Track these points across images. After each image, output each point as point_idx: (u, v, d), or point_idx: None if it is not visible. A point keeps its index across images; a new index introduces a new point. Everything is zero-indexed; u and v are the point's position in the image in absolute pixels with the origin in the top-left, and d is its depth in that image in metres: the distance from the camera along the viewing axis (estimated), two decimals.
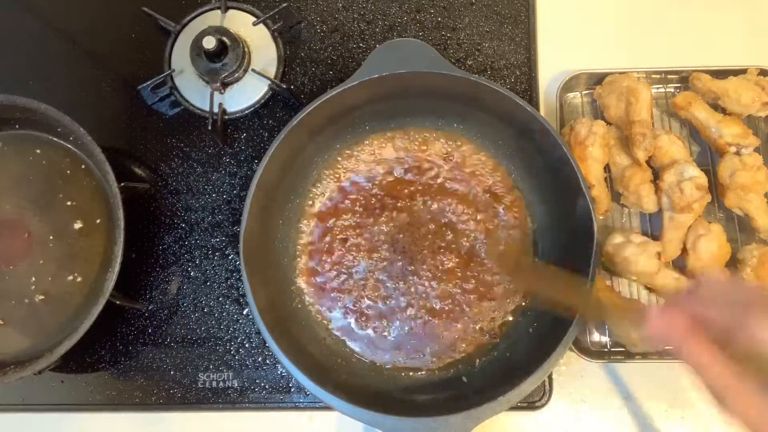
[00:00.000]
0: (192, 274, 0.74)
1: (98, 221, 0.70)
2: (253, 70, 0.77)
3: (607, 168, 0.72)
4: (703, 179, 0.66)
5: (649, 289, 0.71)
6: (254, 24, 0.78)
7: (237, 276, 0.74)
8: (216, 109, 0.75)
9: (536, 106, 0.76)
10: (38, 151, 0.73)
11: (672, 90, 0.76)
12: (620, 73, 0.72)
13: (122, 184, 0.66)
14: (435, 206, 0.71)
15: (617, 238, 0.68)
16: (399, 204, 0.71)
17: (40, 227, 0.71)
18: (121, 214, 0.65)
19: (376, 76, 0.63)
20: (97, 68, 0.81)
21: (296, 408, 0.70)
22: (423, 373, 0.67)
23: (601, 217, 0.70)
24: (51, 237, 0.70)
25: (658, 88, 0.76)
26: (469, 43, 0.80)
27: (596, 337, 0.70)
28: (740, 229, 0.71)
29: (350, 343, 0.68)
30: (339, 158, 0.72)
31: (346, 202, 0.71)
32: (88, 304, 0.67)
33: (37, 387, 0.72)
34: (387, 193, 0.71)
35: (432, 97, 0.68)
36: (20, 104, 0.68)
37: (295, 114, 0.64)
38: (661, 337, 0.43)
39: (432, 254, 0.70)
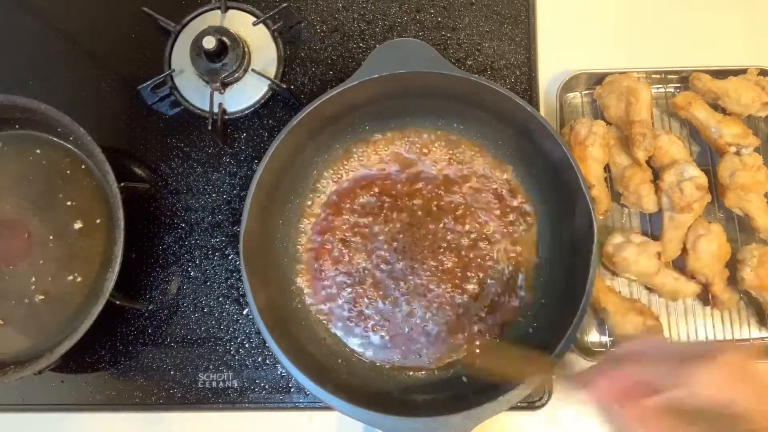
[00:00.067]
0: (192, 274, 0.74)
1: (98, 221, 0.70)
2: (253, 70, 0.77)
3: (607, 168, 0.72)
4: (703, 179, 0.66)
5: (649, 289, 0.71)
6: (254, 24, 0.78)
7: (237, 276, 0.74)
8: (216, 109, 0.75)
9: (536, 106, 0.76)
10: (38, 151, 0.73)
11: (672, 90, 0.76)
12: (620, 73, 0.72)
13: (122, 184, 0.66)
14: (435, 206, 0.71)
15: (617, 238, 0.68)
16: (399, 204, 0.71)
17: (40, 227, 0.71)
18: (121, 214, 0.65)
19: (376, 76, 0.63)
20: (97, 68, 0.81)
21: (296, 408, 0.70)
22: (423, 373, 0.67)
23: (601, 217, 0.70)
24: (51, 237, 0.70)
25: (658, 88, 0.76)
26: (469, 43, 0.80)
27: (596, 337, 0.70)
28: (740, 229, 0.71)
29: (350, 343, 0.68)
30: (339, 158, 0.72)
31: (346, 202, 0.71)
32: (88, 304, 0.67)
33: (37, 387, 0.72)
34: (387, 193, 0.71)
35: (432, 97, 0.68)
36: (20, 104, 0.68)
37: (295, 114, 0.64)
38: (601, 404, 0.43)
39: (432, 254, 0.70)
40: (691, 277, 0.68)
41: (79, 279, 0.69)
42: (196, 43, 0.75)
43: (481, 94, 0.65)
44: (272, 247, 0.68)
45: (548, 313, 0.66)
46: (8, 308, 0.69)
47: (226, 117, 0.77)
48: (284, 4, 0.77)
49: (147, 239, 0.75)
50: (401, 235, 0.70)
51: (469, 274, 0.69)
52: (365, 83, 0.64)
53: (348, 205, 0.71)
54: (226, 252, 0.74)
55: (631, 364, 0.43)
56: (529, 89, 0.77)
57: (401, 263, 0.70)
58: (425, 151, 0.72)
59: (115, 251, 0.64)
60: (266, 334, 0.59)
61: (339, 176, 0.72)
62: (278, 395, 0.71)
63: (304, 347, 0.65)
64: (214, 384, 0.71)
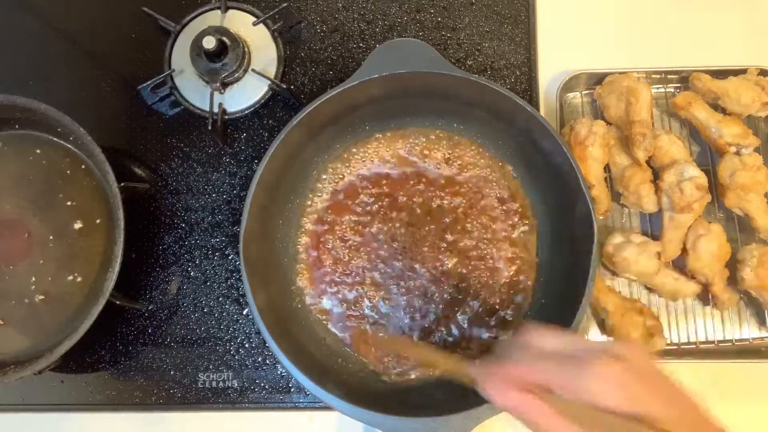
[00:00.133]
0: (192, 274, 0.74)
1: (98, 221, 0.70)
2: (253, 70, 0.77)
3: (607, 168, 0.72)
4: (703, 179, 0.66)
5: (649, 289, 0.71)
6: (254, 24, 0.78)
7: (237, 276, 0.74)
8: (216, 109, 0.75)
9: (536, 106, 0.76)
10: (38, 151, 0.73)
11: (672, 90, 0.76)
12: (620, 73, 0.72)
13: (122, 184, 0.66)
14: (435, 206, 0.71)
15: (617, 238, 0.68)
16: (399, 204, 0.71)
17: (40, 227, 0.71)
18: (121, 214, 0.65)
19: (376, 76, 0.63)
20: (97, 68, 0.81)
21: (296, 408, 0.70)
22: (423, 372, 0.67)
23: (601, 217, 0.70)
24: (51, 237, 0.70)
25: (658, 88, 0.76)
26: (469, 43, 0.80)
27: (596, 336, 0.70)
28: (740, 229, 0.71)
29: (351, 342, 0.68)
30: (339, 158, 0.72)
31: (346, 202, 0.71)
32: (88, 304, 0.67)
33: (37, 387, 0.72)
34: (387, 193, 0.71)
35: (432, 97, 0.68)
36: (20, 104, 0.68)
37: (295, 114, 0.64)
38: (500, 406, 0.42)
39: (432, 254, 0.70)
40: (691, 277, 0.68)
41: (79, 279, 0.69)
42: (196, 43, 0.75)
43: (481, 94, 0.65)
44: (272, 247, 0.68)
45: (548, 313, 0.66)
46: (8, 308, 0.69)
47: (226, 117, 0.77)
48: (284, 4, 0.77)
49: (147, 239, 0.75)
50: (401, 236, 0.70)
51: (469, 274, 0.69)
52: (365, 83, 0.64)
53: (348, 205, 0.71)
54: (226, 252, 0.74)
55: (529, 360, 0.42)
56: (529, 89, 0.77)
57: (401, 263, 0.70)
58: (425, 151, 0.72)
59: (115, 251, 0.64)
60: (266, 334, 0.59)
61: (339, 176, 0.72)
62: (278, 395, 0.71)
63: (304, 347, 0.65)
64: (214, 384, 0.71)
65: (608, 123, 0.72)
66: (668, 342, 0.68)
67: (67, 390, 0.72)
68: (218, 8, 0.79)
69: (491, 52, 0.79)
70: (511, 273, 0.69)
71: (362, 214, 0.71)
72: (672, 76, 0.76)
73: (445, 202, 0.71)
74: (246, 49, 0.77)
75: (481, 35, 0.80)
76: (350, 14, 0.81)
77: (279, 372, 0.71)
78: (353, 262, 0.70)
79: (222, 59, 0.75)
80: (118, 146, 0.78)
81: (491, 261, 0.69)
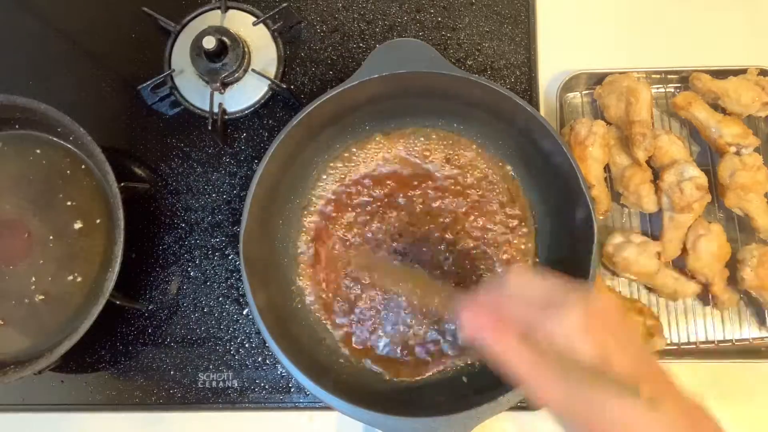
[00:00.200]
0: (192, 274, 0.74)
1: (98, 221, 0.70)
2: (253, 70, 0.77)
3: (607, 168, 0.72)
4: (703, 179, 0.66)
5: (649, 289, 0.71)
6: (254, 24, 0.78)
7: (237, 276, 0.74)
8: (216, 109, 0.75)
9: (536, 106, 0.76)
10: (38, 151, 0.73)
11: (672, 90, 0.76)
12: (620, 73, 0.72)
13: (122, 184, 0.66)
14: (435, 207, 0.71)
15: (617, 238, 0.68)
16: (399, 204, 0.71)
17: (40, 227, 0.71)
18: (121, 214, 0.65)
19: (376, 76, 0.63)
20: (97, 68, 0.81)
21: (296, 408, 0.70)
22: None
23: (601, 217, 0.70)
24: (51, 237, 0.70)
25: (658, 88, 0.76)
26: (469, 43, 0.80)
27: None
28: (740, 229, 0.71)
29: (350, 343, 0.68)
30: (339, 158, 0.72)
31: (347, 202, 0.71)
32: (88, 304, 0.67)
33: (37, 387, 0.72)
34: (387, 193, 0.71)
35: (432, 97, 0.68)
36: (20, 104, 0.68)
37: (295, 114, 0.64)
38: (471, 333, 0.43)
39: (432, 254, 0.69)
40: (691, 277, 0.68)
41: (79, 279, 0.69)
42: (196, 43, 0.75)
43: (481, 94, 0.65)
44: (272, 247, 0.68)
45: None
46: (8, 308, 0.69)
47: (226, 117, 0.77)
48: (284, 4, 0.77)
49: (147, 239, 0.75)
50: (401, 235, 0.70)
51: (469, 274, 0.69)
52: (365, 83, 0.64)
53: (348, 205, 0.71)
54: (226, 252, 0.74)
55: (502, 299, 0.44)
56: (529, 89, 0.77)
57: (401, 263, 0.69)
58: (425, 151, 0.72)
59: (115, 251, 0.64)
60: (266, 334, 0.59)
61: (339, 176, 0.72)
62: (278, 395, 0.71)
63: (304, 347, 0.65)
64: (214, 384, 0.71)
65: (608, 123, 0.72)
66: (668, 342, 0.68)
67: (67, 390, 0.72)
68: (218, 8, 0.79)
69: (491, 52, 0.79)
70: None
71: (362, 214, 0.71)
72: (672, 76, 0.76)
73: (445, 202, 0.71)
74: (246, 49, 0.77)
75: (481, 35, 0.80)
76: (350, 14, 0.81)
77: (279, 372, 0.71)
78: (353, 261, 0.70)
79: (222, 59, 0.75)
80: (118, 146, 0.78)
81: (491, 261, 0.69)
